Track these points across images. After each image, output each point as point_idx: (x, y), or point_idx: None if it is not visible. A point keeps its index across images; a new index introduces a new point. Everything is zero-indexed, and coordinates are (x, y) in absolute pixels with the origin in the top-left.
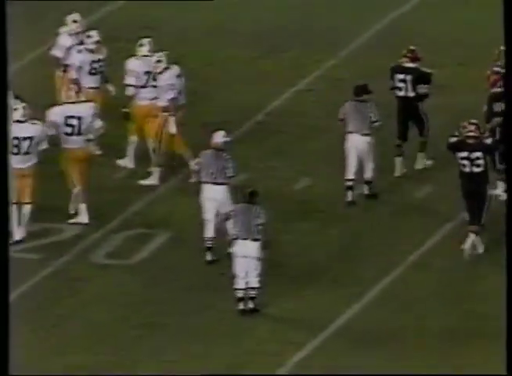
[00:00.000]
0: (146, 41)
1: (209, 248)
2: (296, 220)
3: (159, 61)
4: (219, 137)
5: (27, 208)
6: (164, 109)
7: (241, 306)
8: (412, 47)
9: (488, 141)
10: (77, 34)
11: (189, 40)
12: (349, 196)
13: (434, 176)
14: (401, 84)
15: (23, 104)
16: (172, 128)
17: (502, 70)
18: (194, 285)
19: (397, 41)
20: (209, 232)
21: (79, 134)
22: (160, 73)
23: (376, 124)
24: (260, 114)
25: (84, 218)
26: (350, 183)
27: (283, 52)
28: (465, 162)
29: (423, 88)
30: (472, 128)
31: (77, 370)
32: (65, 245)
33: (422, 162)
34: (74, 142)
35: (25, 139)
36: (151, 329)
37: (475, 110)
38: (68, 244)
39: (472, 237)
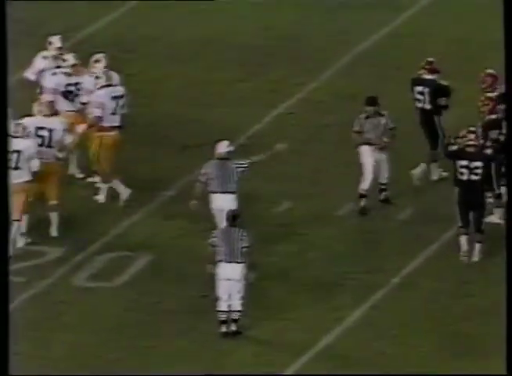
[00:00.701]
0: (100, 56)
1: None
2: (277, 242)
3: (97, 78)
4: (223, 147)
5: (16, 225)
6: (91, 126)
7: (224, 329)
8: (430, 59)
9: (489, 151)
10: (54, 56)
11: (173, 61)
12: (362, 203)
13: (415, 199)
14: (419, 97)
15: (20, 121)
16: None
17: (493, 94)
18: (176, 308)
19: (377, 64)
20: None
21: (49, 146)
22: (98, 89)
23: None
24: (242, 137)
25: (52, 230)
26: (364, 192)
27: (264, 75)
28: (464, 170)
29: (442, 101)
30: (472, 136)
31: None
32: (47, 268)
33: (437, 172)
34: (44, 154)
35: (14, 152)
36: (133, 352)
37: (458, 127)
38: (50, 266)
39: (464, 241)
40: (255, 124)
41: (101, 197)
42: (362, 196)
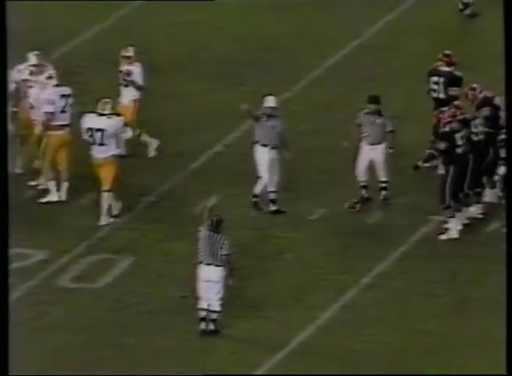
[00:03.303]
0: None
1: (256, 196)
2: (253, 245)
3: (50, 77)
4: (271, 102)
5: (105, 196)
6: (42, 123)
7: (202, 326)
8: (447, 52)
9: (466, 116)
10: (30, 72)
11: (153, 72)
12: (364, 193)
13: (385, 203)
14: (435, 87)
15: (107, 99)
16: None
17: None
18: (156, 308)
19: (348, 75)
20: (258, 188)
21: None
22: (49, 88)
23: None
24: (218, 145)
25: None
26: (364, 183)
27: (240, 86)
28: (460, 142)
29: (454, 91)
30: (446, 114)
31: None
32: (32, 270)
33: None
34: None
35: (98, 130)
36: (115, 350)
37: (422, 141)
38: (35, 268)
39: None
40: (232, 132)
41: (55, 197)
42: (362, 187)
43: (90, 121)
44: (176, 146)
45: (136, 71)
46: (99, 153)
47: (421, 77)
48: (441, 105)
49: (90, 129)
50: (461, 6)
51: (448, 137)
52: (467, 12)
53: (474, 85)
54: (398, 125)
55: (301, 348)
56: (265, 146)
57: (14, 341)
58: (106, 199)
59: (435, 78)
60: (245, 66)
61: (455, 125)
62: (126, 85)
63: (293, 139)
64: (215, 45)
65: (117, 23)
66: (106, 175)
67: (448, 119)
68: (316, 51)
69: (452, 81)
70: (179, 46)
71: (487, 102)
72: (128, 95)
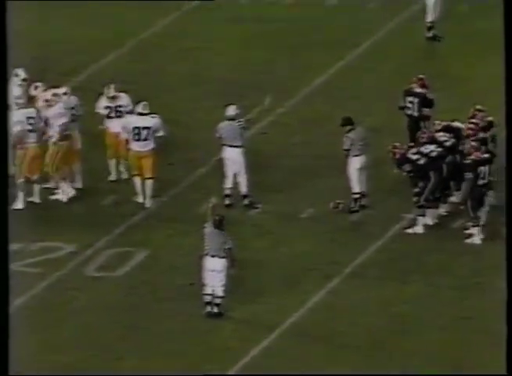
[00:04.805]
0: (39, 84)
1: (227, 195)
2: (252, 240)
3: (47, 101)
4: (231, 110)
5: (149, 182)
6: (59, 133)
7: (208, 309)
8: (421, 76)
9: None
10: (20, 86)
11: (165, 91)
12: (356, 205)
13: (365, 203)
14: (409, 105)
15: (145, 102)
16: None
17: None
18: (168, 294)
19: (334, 94)
20: (228, 184)
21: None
22: (53, 106)
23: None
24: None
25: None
26: (357, 196)
27: (239, 103)
28: (417, 156)
29: (426, 111)
30: (398, 148)
31: (69, 366)
32: (61, 260)
33: None
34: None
35: (144, 128)
36: (132, 330)
37: None
38: (65, 259)
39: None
40: None
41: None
42: (357, 199)
43: (135, 121)
44: (185, 154)
45: (128, 102)
46: (141, 148)
47: (397, 95)
48: (414, 121)
49: (137, 128)
50: (428, 33)
51: (404, 160)
52: (429, 34)
53: (437, 122)
54: (378, 137)
55: (293, 329)
56: (232, 146)
57: (47, 321)
58: (150, 185)
59: (410, 98)
60: (243, 85)
61: (403, 148)
62: (119, 116)
63: (287, 148)
64: (218, 68)
65: (134, 50)
66: (150, 166)
67: (402, 150)
68: (306, 72)
69: (425, 102)
70: (188, 68)
71: (447, 129)
72: (118, 125)
